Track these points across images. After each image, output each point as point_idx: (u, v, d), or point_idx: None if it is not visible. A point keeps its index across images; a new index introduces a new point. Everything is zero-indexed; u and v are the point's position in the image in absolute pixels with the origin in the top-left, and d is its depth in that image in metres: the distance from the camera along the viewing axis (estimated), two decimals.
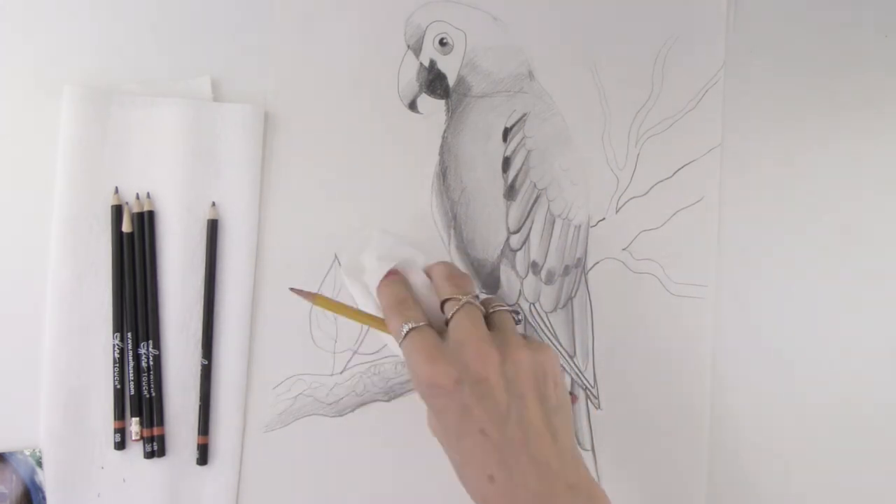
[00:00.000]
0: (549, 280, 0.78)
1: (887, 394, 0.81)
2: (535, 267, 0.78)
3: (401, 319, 0.64)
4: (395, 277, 0.67)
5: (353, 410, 0.75)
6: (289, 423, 0.74)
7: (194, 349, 0.73)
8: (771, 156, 0.80)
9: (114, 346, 0.72)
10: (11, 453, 0.70)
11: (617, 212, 0.79)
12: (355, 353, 0.75)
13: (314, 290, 0.74)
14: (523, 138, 0.78)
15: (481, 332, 0.62)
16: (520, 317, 0.77)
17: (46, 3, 0.73)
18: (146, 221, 0.72)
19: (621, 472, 0.78)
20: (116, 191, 0.72)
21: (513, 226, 0.77)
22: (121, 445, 0.71)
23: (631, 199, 0.79)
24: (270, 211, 0.75)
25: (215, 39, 0.76)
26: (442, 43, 0.77)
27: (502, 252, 0.77)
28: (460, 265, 0.77)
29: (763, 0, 0.81)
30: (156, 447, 0.72)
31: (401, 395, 0.76)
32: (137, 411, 0.72)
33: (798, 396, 0.80)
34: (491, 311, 0.66)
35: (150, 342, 0.72)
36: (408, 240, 0.71)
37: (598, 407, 0.78)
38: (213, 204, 0.73)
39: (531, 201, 0.77)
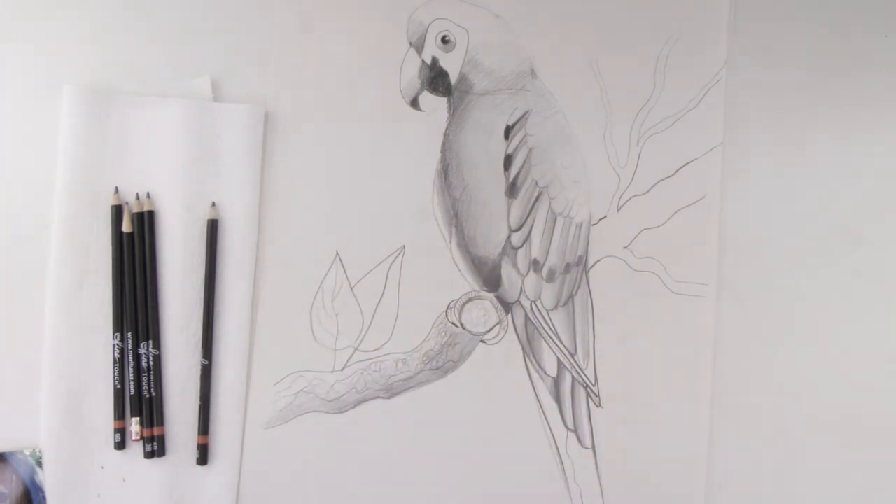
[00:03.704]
0: (551, 278, 0.78)
1: (887, 393, 0.81)
2: (536, 265, 0.78)
3: None
4: None
5: (353, 407, 0.75)
6: (289, 419, 0.74)
7: (194, 349, 0.73)
8: (772, 155, 0.81)
9: (114, 346, 0.71)
10: (11, 453, 0.70)
11: (618, 210, 0.79)
12: (356, 350, 0.75)
13: (315, 288, 0.74)
14: (525, 136, 0.78)
15: None
16: None
17: (47, 4, 0.73)
18: (146, 221, 0.72)
19: (621, 470, 0.77)
20: (116, 191, 0.72)
21: (514, 223, 0.77)
22: (121, 445, 0.71)
23: (632, 197, 0.79)
24: (270, 211, 0.75)
25: (215, 39, 0.76)
26: (444, 40, 0.77)
27: (504, 250, 0.77)
28: (461, 263, 0.77)
29: (764, 0, 0.82)
30: (156, 447, 0.72)
31: (401, 392, 0.75)
32: (137, 411, 0.72)
33: (797, 395, 0.80)
34: None
35: (150, 342, 0.72)
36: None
37: (598, 405, 0.78)
38: (213, 204, 0.73)
39: (533, 199, 0.77)
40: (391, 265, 0.76)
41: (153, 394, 0.72)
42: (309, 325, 0.75)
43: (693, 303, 0.79)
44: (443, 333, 0.76)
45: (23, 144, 0.72)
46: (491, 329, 0.77)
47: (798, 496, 0.80)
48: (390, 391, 0.76)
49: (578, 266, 0.78)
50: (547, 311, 0.78)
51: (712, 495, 0.78)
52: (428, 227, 0.77)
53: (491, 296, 0.77)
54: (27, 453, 0.70)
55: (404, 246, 0.76)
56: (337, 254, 0.75)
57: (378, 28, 0.77)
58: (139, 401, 0.72)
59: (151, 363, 0.72)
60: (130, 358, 0.72)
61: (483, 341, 0.77)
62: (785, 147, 0.81)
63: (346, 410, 0.75)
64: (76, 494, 0.71)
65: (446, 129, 0.77)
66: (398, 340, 0.75)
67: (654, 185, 0.79)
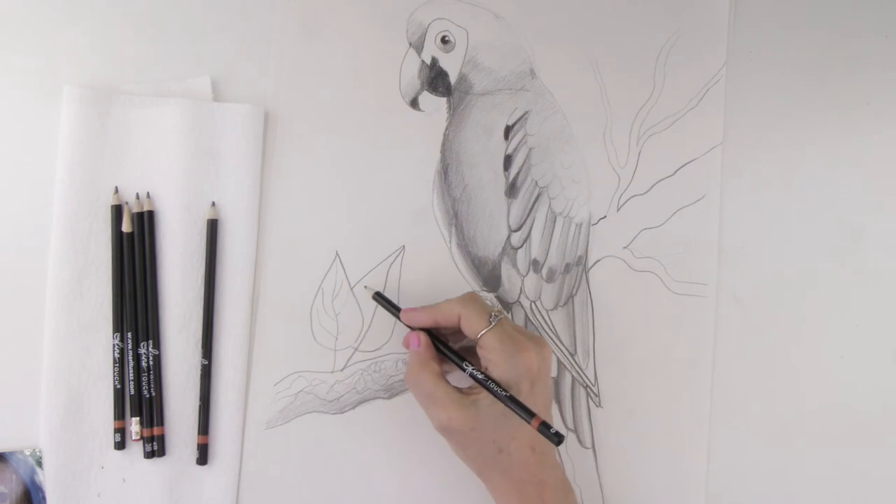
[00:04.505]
0: (550, 278, 0.78)
1: (887, 394, 0.81)
2: (536, 265, 0.78)
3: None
4: None
5: (353, 408, 0.75)
6: (289, 420, 0.74)
7: (194, 349, 0.73)
8: (772, 154, 0.81)
9: (114, 346, 0.71)
10: (11, 453, 0.70)
11: (618, 210, 0.79)
12: (356, 350, 0.75)
13: (315, 288, 0.74)
14: (525, 136, 0.78)
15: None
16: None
17: (46, 4, 0.73)
18: (146, 221, 0.72)
19: (621, 470, 0.78)
20: (116, 191, 0.72)
21: (514, 224, 0.77)
22: (121, 445, 0.71)
23: (632, 197, 0.79)
24: (270, 211, 0.75)
25: (215, 39, 0.75)
26: (444, 41, 0.77)
27: (503, 250, 0.77)
28: (461, 263, 0.77)
29: (764, 0, 0.82)
30: (156, 447, 0.71)
31: (401, 392, 0.75)
32: (137, 411, 0.71)
33: (798, 396, 0.80)
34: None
35: (150, 342, 0.72)
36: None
37: (598, 405, 0.78)
38: (213, 204, 0.73)
39: (532, 199, 0.78)
40: (391, 265, 0.76)
41: (153, 394, 0.72)
42: (309, 325, 0.75)
43: (693, 303, 0.79)
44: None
45: (23, 144, 0.72)
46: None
47: (798, 496, 0.80)
48: (390, 391, 0.76)
49: (578, 266, 0.78)
50: (547, 311, 0.78)
51: (713, 496, 0.78)
52: (428, 227, 0.77)
53: (491, 296, 0.77)
54: (27, 453, 0.70)
55: (404, 246, 0.76)
56: (337, 254, 0.75)
57: (378, 28, 0.77)
58: (139, 401, 0.72)
59: (151, 363, 0.72)
60: (130, 358, 0.72)
61: None
62: (785, 147, 0.81)
63: (346, 411, 0.75)
64: (76, 494, 0.71)
65: (446, 129, 0.77)
66: (398, 341, 0.75)
67: (653, 185, 0.79)
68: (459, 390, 0.67)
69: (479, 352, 0.68)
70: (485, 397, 0.66)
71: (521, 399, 0.65)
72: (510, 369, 0.66)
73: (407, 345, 0.71)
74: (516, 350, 0.66)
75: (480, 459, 0.68)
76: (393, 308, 0.73)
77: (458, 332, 0.70)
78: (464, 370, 0.68)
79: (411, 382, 0.69)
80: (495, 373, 0.66)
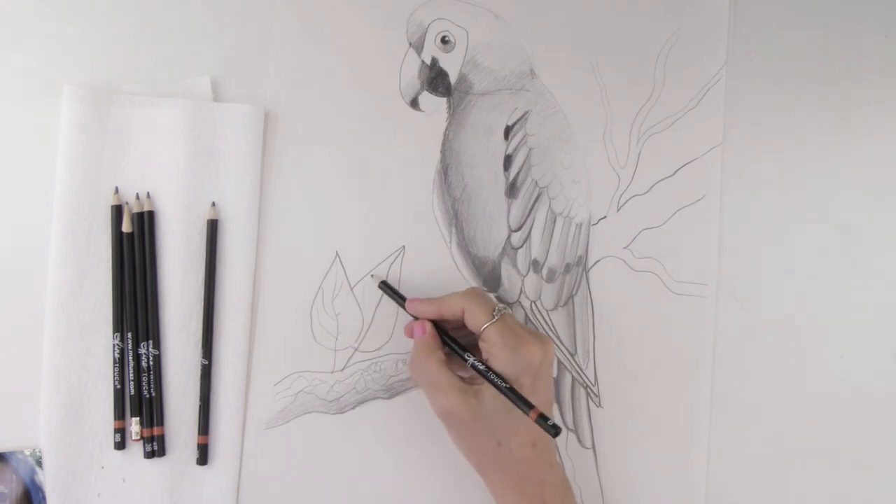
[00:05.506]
0: (551, 278, 0.78)
1: (887, 394, 0.81)
2: (536, 265, 0.78)
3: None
4: None
5: (353, 408, 0.75)
6: (289, 420, 0.74)
7: (194, 349, 0.73)
8: (772, 154, 0.81)
9: (114, 346, 0.71)
10: (11, 453, 0.70)
11: (618, 210, 0.79)
12: (356, 350, 0.75)
13: (315, 288, 0.74)
14: (525, 136, 0.78)
15: None
16: None
17: (46, 4, 0.73)
18: (146, 221, 0.72)
19: (621, 470, 0.78)
20: (116, 191, 0.72)
21: (514, 224, 0.77)
22: (121, 445, 0.71)
23: (632, 197, 0.79)
24: (270, 211, 0.75)
25: (215, 39, 0.75)
26: (444, 41, 0.77)
27: (503, 250, 0.77)
28: (461, 263, 0.77)
29: (764, 0, 0.82)
30: (156, 447, 0.71)
31: (401, 392, 0.76)
32: (137, 411, 0.71)
33: (798, 396, 0.80)
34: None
35: (150, 342, 0.72)
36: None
37: (598, 405, 0.78)
38: (213, 204, 0.73)
39: (532, 199, 0.78)
40: (391, 265, 0.76)
41: (153, 394, 0.72)
42: (309, 325, 0.75)
43: (693, 303, 0.79)
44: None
45: (23, 144, 0.72)
46: None
47: (798, 496, 0.80)
48: (390, 391, 0.76)
49: (578, 266, 0.78)
50: (547, 311, 0.78)
51: (713, 496, 0.78)
52: (428, 227, 0.77)
53: (491, 296, 0.77)
54: (27, 453, 0.70)
55: (404, 246, 0.76)
56: (337, 254, 0.75)
57: (378, 28, 0.77)
58: (139, 401, 0.71)
59: (151, 363, 0.72)
60: (130, 358, 0.72)
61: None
62: (785, 147, 0.81)
63: (346, 411, 0.75)
64: (76, 494, 0.71)
65: (446, 129, 0.77)
66: (398, 341, 0.75)
67: (653, 185, 0.79)
68: (463, 379, 0.68)
69: (482, 345, 0.69)
70: (487, 389, 0.67)
71: (523, 393, 0.65)
72: (512, 363, 0.66)
73: (410, 333, 0.72)
74: (518, 344, 0.67)
75: (480, 451, 0.68)
76: (398, 297, 0.74)
77: (460, 327, 0.71)
78: (465, 360, 0.68)
79: (416, 368, 0.69)
80: (497, 366, 0.67)
